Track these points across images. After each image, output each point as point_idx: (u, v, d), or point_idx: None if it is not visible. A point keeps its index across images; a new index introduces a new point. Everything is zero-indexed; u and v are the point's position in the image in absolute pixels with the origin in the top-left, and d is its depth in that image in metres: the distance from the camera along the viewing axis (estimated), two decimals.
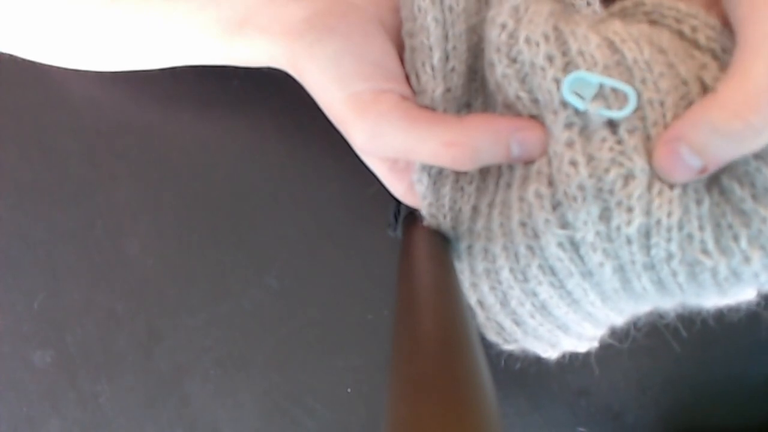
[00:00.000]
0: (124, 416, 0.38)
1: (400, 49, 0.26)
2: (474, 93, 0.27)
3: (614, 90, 0.22)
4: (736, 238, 0.22)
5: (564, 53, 0.23)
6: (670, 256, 0.22)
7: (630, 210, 0.22)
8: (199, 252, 0.36)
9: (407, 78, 0.26)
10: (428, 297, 0.21)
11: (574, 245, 0.23)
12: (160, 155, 0.36)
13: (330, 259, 0.36)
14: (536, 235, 0.24)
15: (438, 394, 0.16)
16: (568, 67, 0.23)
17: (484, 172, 0.27)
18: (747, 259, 0.22)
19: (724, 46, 0.23)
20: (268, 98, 0.35)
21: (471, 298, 0.27)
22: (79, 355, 0.38)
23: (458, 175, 0.27)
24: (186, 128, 0.36)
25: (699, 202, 0.22)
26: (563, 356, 0.29)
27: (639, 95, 0.22)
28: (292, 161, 0.36)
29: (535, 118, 0.24)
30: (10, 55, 0.31)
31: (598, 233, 0.22)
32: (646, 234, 0.22)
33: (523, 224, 0.24)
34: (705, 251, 0.22)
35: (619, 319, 0.27)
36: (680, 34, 0.24)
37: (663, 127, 0.22)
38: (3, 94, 0.37)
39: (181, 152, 0.36)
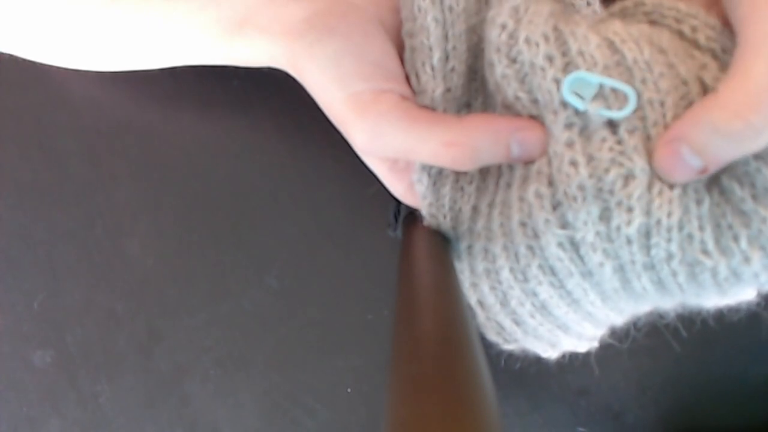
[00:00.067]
0: (124, 416, 0.38)
1: (400, 49, 0.26)
2: (474, 93, 0.26)
3: (614, 90, 0.22)
4: (736, 239, 0.22)
5: (564, 53, 0.23)
6: (670, 256, 0.22)
7: (630, 210, 0.22)
8: (199, 252, 0.36)
9: (407, 78, 0.26)
10: (428, 297, 0.21)
11: (574, 245, 0.23)
12: (160, 155, 0.36)
13: (330, 259, 0.36)
14: (536, 235, 0.24)
15: (438, 394, 0.16)
16: (568, 67, 0.23)
17: (484, 172, 0.27)
18: (747, 260, 0.22)
19: (724, 46, 0.23)
20: (268, 98, 0.35)
21: (471, 298, 0.27)
22: (79, 355, 0.38)
23: (458, 175, 0.27)
24: (186, 128, 0.36)
25: (699, 203, 0.22)
26: (563, 356, 0.29)
27: (639, 95, 0.22)
28: (292, 161, 0.36)
29: (535, 118, 0.24)
30: (10, 55, 0.31)
31: (598, 233, 0.22)
32: (646, 234, 0.22)
33: (523, 224, 0.24)
34: (705, 251, 0.22)
35: (619, 319, 0.27)
36: (680, 34, 0.24)
37: (663, 128, 0.22)
38: (3, 94, 0.37)
39: (181, 152, 0.36)
